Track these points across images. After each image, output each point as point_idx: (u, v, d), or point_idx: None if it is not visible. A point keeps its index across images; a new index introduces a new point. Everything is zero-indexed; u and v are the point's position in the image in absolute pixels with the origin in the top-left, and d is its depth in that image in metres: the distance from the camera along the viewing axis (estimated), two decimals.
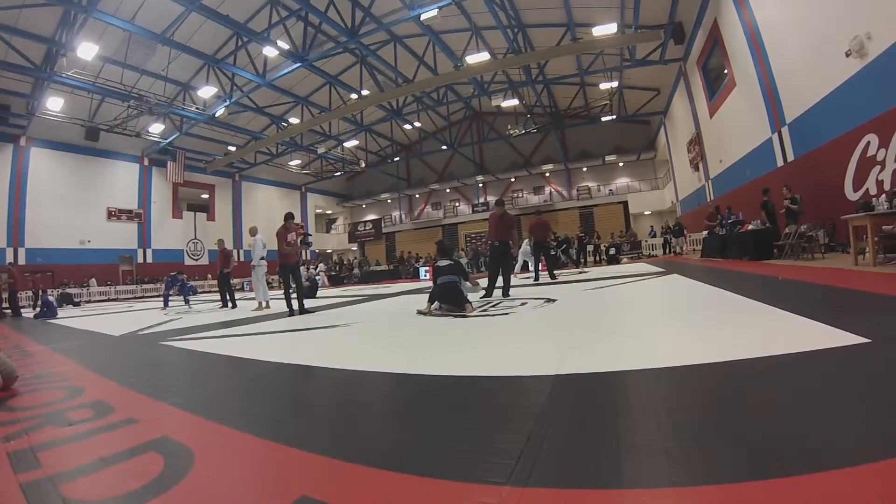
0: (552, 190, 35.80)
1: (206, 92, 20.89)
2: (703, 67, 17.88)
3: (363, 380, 2.84)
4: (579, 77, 23.71)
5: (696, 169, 21.21)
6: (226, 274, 11.39)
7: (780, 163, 12.44)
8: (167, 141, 25.67)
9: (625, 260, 21.60)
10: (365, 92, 23.08)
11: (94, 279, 24.93)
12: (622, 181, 33.84)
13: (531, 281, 11.06)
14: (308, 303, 8.48)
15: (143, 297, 25.15)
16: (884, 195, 7.08)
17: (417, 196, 40.65)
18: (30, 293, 19.95)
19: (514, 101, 26.28)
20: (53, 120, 20.97)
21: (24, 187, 22.98)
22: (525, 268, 15.19)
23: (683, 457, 1.30)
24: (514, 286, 8.25)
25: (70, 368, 3.81)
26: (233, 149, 28.39)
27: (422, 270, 23.75)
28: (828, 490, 1.06)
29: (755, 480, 1.12)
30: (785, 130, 11.88)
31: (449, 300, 5.95)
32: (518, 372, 2.54)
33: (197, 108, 22.53)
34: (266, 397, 2.65)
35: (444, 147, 33.69)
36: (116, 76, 19.19)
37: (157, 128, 23.62)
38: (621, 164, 33.50)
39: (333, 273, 27.77)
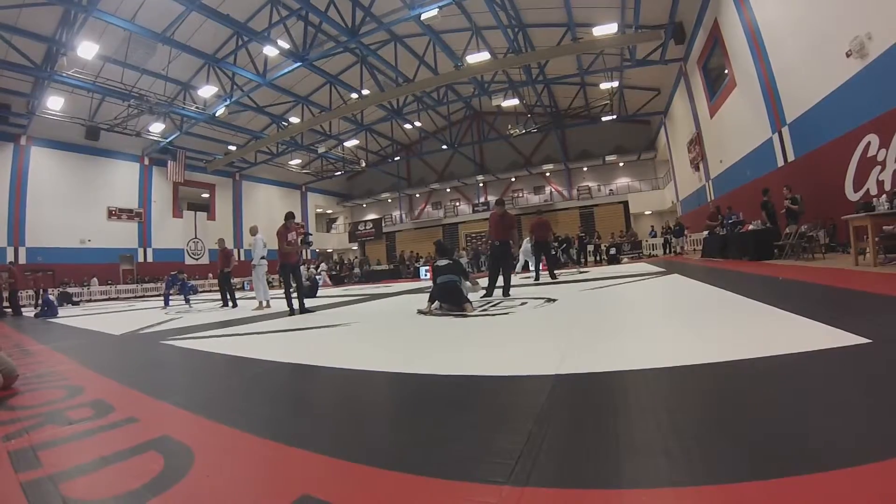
0: (552, 190, 35.80)
1: (207, 91, 20.88)
2: (703, 67, 17.88)
3: (363, 379, 2.84)
4: (580, 77, 23.69)
5: (697, 169, 21.21)
6: (226, 273, 11.39)
7: (780, 163, 12.44)
8: (167, 140, 25.67)
9: (625, 260, 21.58)
10: (365, 91, 23.07)
11: (95, 278, 24.95)
12: (622, 181, 33.83)
13: (532, 280, 11.06)
14: (308, 302, 8.49)
15: (143, 296, 25.16)
16: (884, 195, 7.07)
17: (418, 196, 40.66)
18: (31, 292, 19.97)
19: (515, 101, 26.28)
20: (54, 119, 20.96)
21: (24, 186, 22.98)
22: (526, 267, 15.19)
23: (684, 457, 1.30)
24: (514, 286, 8.24)
25: (70, 367, 3.81)
26: (233, 148, 28.40)
27: (422, 270, 23.75)
28: (828, 490, 1.06)
29: (755, 480, 1.12)
30: (785, 130, 11.88)
31: (449, 300, 5.95)
32: (518, 371, 2.54)
33: (197, 108, 22.53)
34: (266, 396, 2.65)
35: (445, 147, 33.68)
36: (117, 75, 19.20)
37: (157, 127, 23.63)
38: (622, 164, 33.50)
39: (334, 273, 27.75)
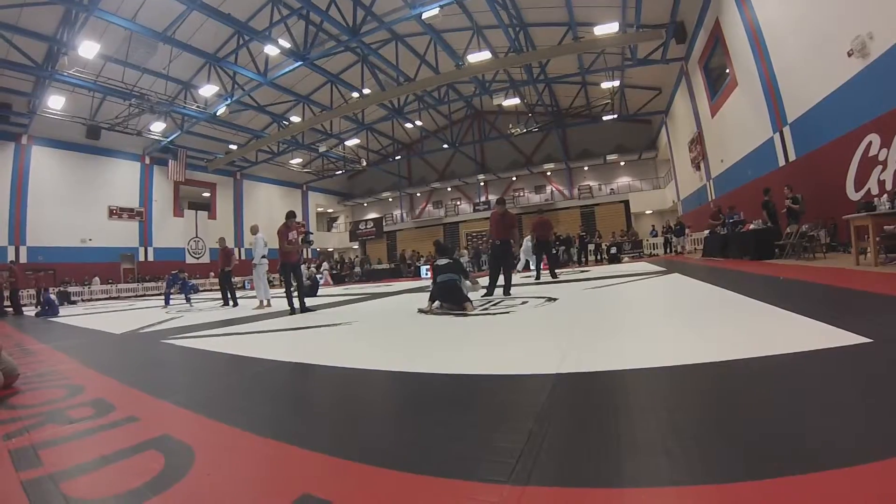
0: (553, 189, 35.80)
1: (208, 90, 20.88)
2: (704, 67, 17.86)
3: (364, 378, 2.84)
4: (581, 76, 23.67)
5: (698, 168, 21.19)
6: (227, 272, 11.39)
7: (781, 162, 12.43)
8: (168, 139, 25.69)
9: (626, 259, 21.55)
10: (366, 90, 23.06)
11: (97, 277, 25.00)
12: (623, 180, 33.83)
13: (532, 280, 11.05)
14: (309, 301, 8.49)
15: (144, 295, 25.18)
16: (885, 195, 7.06)
17: (419, 195, 40.66)
18: (31, 291, 19.99)
19: (516, 100, 26.29)
20: (55, 118, 20.98)
21: (25, 186, 23.00)
22: (527, 266, 15.18)
23: (684, 456, 1.30)
24: (515, 285, 8.24)
25: (71, 366, 3.81)
26: (234, 147, 28.42)
27: (423, 269, 23.75)
28: (828, 490, 1.06)
29: (755, 480, 1.12)
30: (786, 130, 11.86)
31: (449, 298, 5.95)
32: (519, 370, 2.54)
33: (198, 107, 22.55)
34: (267, 395, 2.65)
35: (446, 146, 33.67)
36: (118, 75, 19.22)
37: (158, 126, 23.69)
38: (623, 164, 33.48)
39: (335, 272, 27.76)
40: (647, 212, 31.97)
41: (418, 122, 30.85)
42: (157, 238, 28.92)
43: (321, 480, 1.37)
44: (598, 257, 22.62)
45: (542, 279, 10.85)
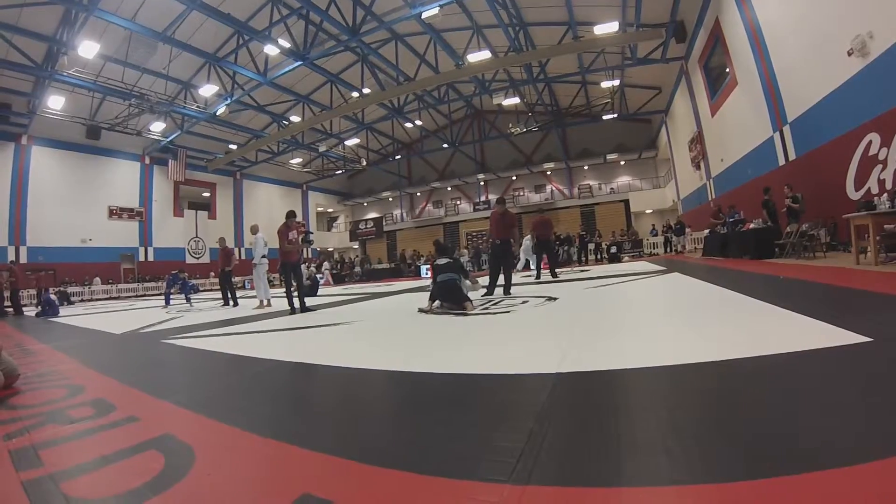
0: (553, 188, 35.80)
1: (207, 90, 20.88)
2: (704, 66, 17.85)
3: (364, 378, 2.84)
4: (581, 75, 23.65)
5: (698, 168, 21.19)
6: (227, 272, 11.40)
7: (781, 161, 12.42)
8: (168, 139, 25.69)
9: (626, 258, 21.57)
10: (366, 90, 23.04)
11: (97, 277, 25.02)
12: (623, 179, 33.83)
13: (532, 279, 11.05)
14: (309, 301, 8.49)
15: (144, 295, 25.19)
16: (885, 194, 7.06)
17: (419, 194, 40.65)
18: (32, 291, 19.99)
19: (516, 100, 26.29)
20: (54, 118, 20.97)
21: (25, 186, 23.00)
22: (527, 266, 15.17)
23: (684, 456, 1.30)
24: (515, 284, 8.24)
25: (71, 366, 3.82)
26: (234, 147, 28.42)
27: (423, 268, 23.77)
28: (829, 489, 1.06)
29: (755, 479, 1.12)
30: (786, 129, 11.86)
31: (449, 298, 5.95)
32: (519, 370, 2.55)
33: (198, 107, 22.54)
34: (267, 395, 2.65)
35: (446, 145, 33.66)
36: (117, 75, 19.21)
37: (158, 126, 23.68)
38: (623, 163, 33.48)
39: (335, 272, 27.77)
40: (647, 211, 31.97)
41: (418, 122, 30.85)
42: (157, 238, 28.92)
43: (321, 480, 1.37)
44: (598, 257, 22.63)
45: (543, 279, 10.85)
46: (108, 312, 12.00)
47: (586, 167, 34.60)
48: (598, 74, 22.96)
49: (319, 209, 42.12)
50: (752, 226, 11.34)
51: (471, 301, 5.87)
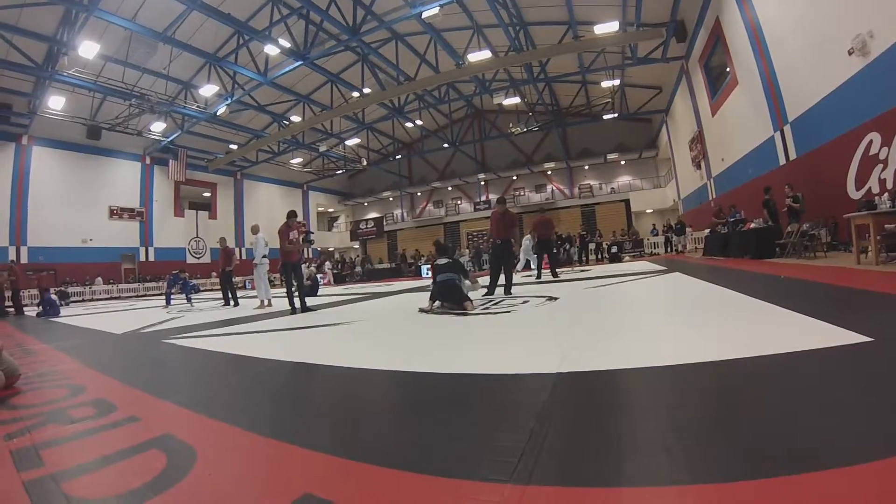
0: (554, 188, 35.79)
1: (208, 90, 20.88)
2: (705, 65, 17.84)
3: (365, 378, 2.84)
4: (581, 75, 23.62)
5: (698, 167, 21.18)
6: (228, 272, 11.40)
7: (782, 161, 12.41)
8: (169, 139, 25.69)
9: (627, 258, 21.57)
10: (366, 90, 23.03)
11: (99, 277, 25.06)
12: (624, 179, 33.81)
13: (533, 279, 11.05)
14: (310, 301, 8.49)
15: (145, 295, 25.19)
16: (886, 194, 7.06)
17: (419, 194, 40.64)
18: (33, 291, 19.98)
19: (516, 99, 26.27)
20: (55, 119, 20.98)
21: (25, 186, 23.00)
22: (527, 266, 15.17)
23: (685, 455, 1.30)
24: (515, 284, 8.23)
25: (72, 366, 3.82)
26: (234, 147, 28.42)
27: (424, 268, 23.78)
28: (829, 489, 1.06)
29: (756, 479, 1.12)
30: (787, 129, 11.85)
31: (448, 298, 5.96)
32: (520, 370, 2.55)
33: (198, 107, 22.55)
34: (268, 395, 2.66)
35: (446, 145, 33.64)
36: (118, 75, 19.21)
37: (158, 126, 23.69)
38: (623, 163, 33.45)
39: (336, 271, 27.78)
40: (648, 211, 31.96)
41: (419, 122, 30.82)
42: (157, 238, 28.92)
43: (322, 480, 1.37)
44: (599, 256, 22.63)
45: (543, 278, 10.85)
46: (108, 312, 12.01)
47: (587, 167, 34.59)
48: (599, 74, 22.94)
49: (320, 209, 42.13)
50: (752, 225, 11.34)
51: (471, 301, 5.87)
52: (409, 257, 30.02)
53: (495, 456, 1.39)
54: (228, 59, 19.85)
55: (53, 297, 12.72)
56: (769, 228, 10.66)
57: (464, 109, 31.80)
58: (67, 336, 6.88)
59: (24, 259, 22.04)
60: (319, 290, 14.47)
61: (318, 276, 18.69)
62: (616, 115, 27.12)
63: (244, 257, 26.50)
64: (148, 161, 28.47)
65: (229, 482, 1.42)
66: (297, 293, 7.64)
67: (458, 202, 39.06)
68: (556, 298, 6.36)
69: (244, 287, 22.74)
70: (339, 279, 26.65)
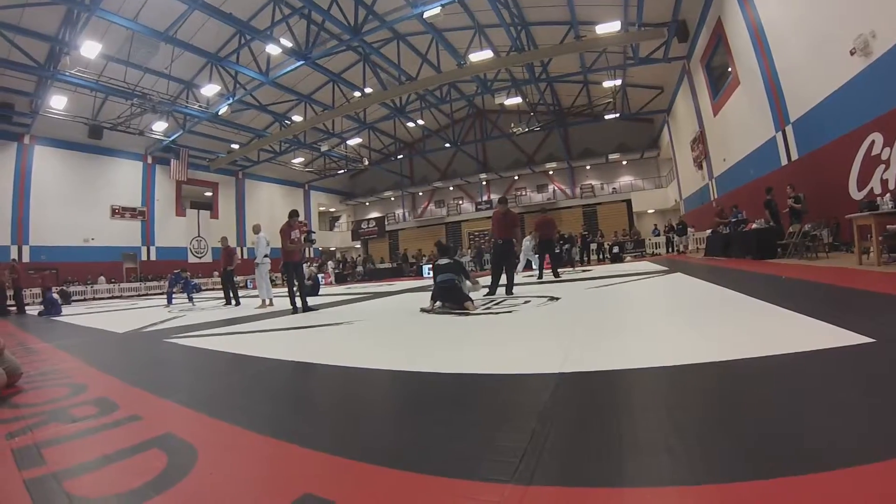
0: (556, 188, 35.77)
1: (210, 90, 20.93)
2: (706, 65, 17.80)
3: (366, 377, 2.84)
4: (582, 75, 23.61)
5: (700, 167, 21.16)
6: (229, 271, 11.42)
7: (783, 161, 12.39)
8: (170, 139, 25.73)
9: (628, 258, 21.56)
10: (368, 90, 23.05)
11: (101, 276, 25.12)
12: (626, 179, 33.78)
13: (535, 279, 11.05)
14: (311, 300, 8.50)
15: (146, 294, 25.21)
16: (888, 194, 7.05)
17: (421, 194, 40.65)
18: (35, 290, 20.02)
19: (518, 99, 26.27)
20: (57, 118, 21.04)
21: (27, 185, 23.06)
22: (528, 266, 15.16)
23: (686, 456, 1.29)
24: (517, 284, 8.23)
25: (74, 365, 3.83)
26: (236, 147, 28.46)
27: (425, 268, 23.79)
28: (829, 490, 1.06)
29: (757, 480, 1.12)
30: (789, 129, 11.82)
31: (449, 298, 5.97)
32: (521, 370, 2.54)
33: (200, 106, 22.59)
34: (269, 395, 2.66)
35: (448, 145, 33.63)
36: (119, 74, 19.26)
37: (160, 126, 23.76)
38: (625, 163, 33.42)
39: (337, 271, 27.81)
40: (650, 211, 31.93)
41: (420, 122, 30.85)
42: (159, 237, 28.96)
43: (323, 480, 1.37)
44: (601, 257, 22.62)
45: (545, 278, 10.84)
46: (110, 311, 12.03)
47: (588, 167, 34.56)
48: (600, 74, 22.95)
49: (321, 209, 42.16)
50: (754, 226, 11.32)
51: (472, 301, 5.87)
52: (411, 257, 30.02)
53: (497, 456, 1.39)
54: (230, 58, 19.87)
55: (55, 296, 12.73)
56: (771, 229, 10.65)
57: (465, 109, 31.80)
58: (69, 335, 6.89)
59: (25, 258, 22.11)
60: (321, 289, 14.48)
61: (320, 275, 18.74)
62: (618, 115, 27.10)
63: (245, 257, 26.58)
64: (150, 160, 28.52)
65: (230, 481, 1.42)
66: (298, 292, 7.64)
67: (460, 202, 39.06)
68: (557, 298, 6.36)
69: (245, 286, 22.77)
70: (340, 279, 26.68)
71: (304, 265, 9.86)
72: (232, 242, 21.14)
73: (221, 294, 12.17)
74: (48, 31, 16.54)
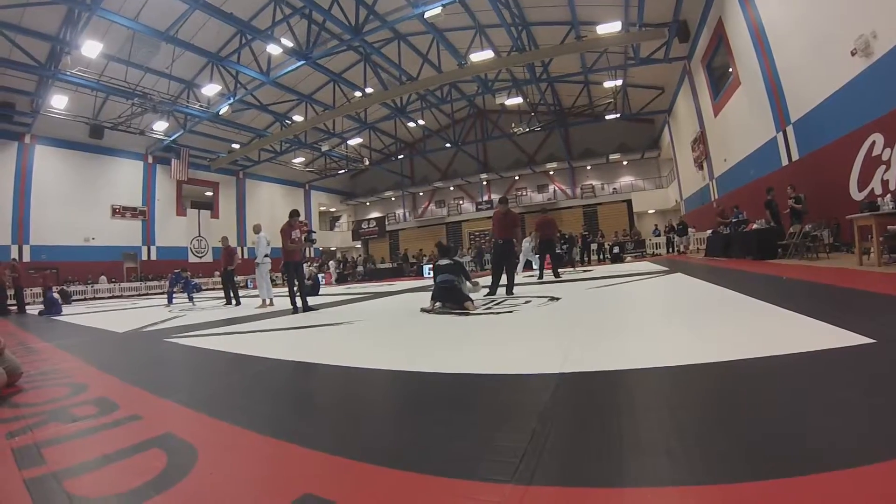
0: (556, 188, 35.77)
1: (210, 90, 20.93)
2: (707, 66, 17.79)
3: (366, 377, 2.84)
4: (583, 75, 23.61)
5: (701, 168, 21.15)
6: (230, 271, 11.42)
7: (784, 162, 12.38)
8: (171, 139, 25.74)
9: (629, 259, 21.55)
10: (369, 90, 23.06)
11: (103, 276, 25.13)
12: (626, 179, 33.77)
13: (535, 279, 11.04)
14: (311, 300, 8.50)
15: (147, 294, 25.22)
16: (889, 195, 7.05)
17: (421, 194, 40.66)
18: (36, 290, 20.04)
19: (518, 99, 26.24)
20: (58, 118, 21.05)
21: (28, 185, 23.07)
22: (528, 266, 15.16)
23: (686, 456, 1.29)
24: (517, 284, 8.23)
25: (74, 365, 3.83)
26: (237, 146, 28.47)
27: (426, 268, 23.80)
28: (830, 490, 1.06)
29: (758, 480, 1.12)
30: (790, 129, 11.82)
31: (449, 298, 5.97)
32: (521, 370, 2.54)
33: (201, 106, 22.60)
34: (269, 394, 2.66)
35: (448, 145, 33.61)
36: (120, 74, 19.27)
37: (161, 125, 23.76)
38: (625, 163, 33.40)
39: (338, 271, 27.81)
40: (650, 211, 31.91)
41: (421, 122, 30.86)
42: (159, 237, 28.98)
43: (323, 480, 1.37)
44: (601, 257, 22.61)
45: (545, 279, 10.84)
46: (110, 311, 12.03)
47: (589, 167, 34.55)
48: (601, 74, 22.95)
49: (322, 208, 42.17)
50: (755, 226, 11.32)
51: (472, 301, 5.87)
52: (412, 257, 30.02)
53: (497, 456, 1.39)
54: (231, 58, 19.88)
55: (55, 295, 12.74)
56: (771, 229, 10.64)
57: (466, 109, 31.80)
58: (69, 334, 6.88)
59: (26, 258, 22.13)
60: (321, 289, 14.48)
61: (320, 275, 18.75)
62: (618, 115, 27.08)
63: (246, 256, 26.58)
64: (150, 160, 28.54)
65: (230, 481, 1.42)
66: (298, 292, 7.64)
67: (461, 202, 39.06)
68: (558, 299, 6.35)
69: (246, 286, 22.77)
70: (340, 279, 26.69)
71: (305, 265, 9.85)
72: (232, 242, 21.12)
73: (222, 294, 12.18)
74: (49, 30, 16.55)
